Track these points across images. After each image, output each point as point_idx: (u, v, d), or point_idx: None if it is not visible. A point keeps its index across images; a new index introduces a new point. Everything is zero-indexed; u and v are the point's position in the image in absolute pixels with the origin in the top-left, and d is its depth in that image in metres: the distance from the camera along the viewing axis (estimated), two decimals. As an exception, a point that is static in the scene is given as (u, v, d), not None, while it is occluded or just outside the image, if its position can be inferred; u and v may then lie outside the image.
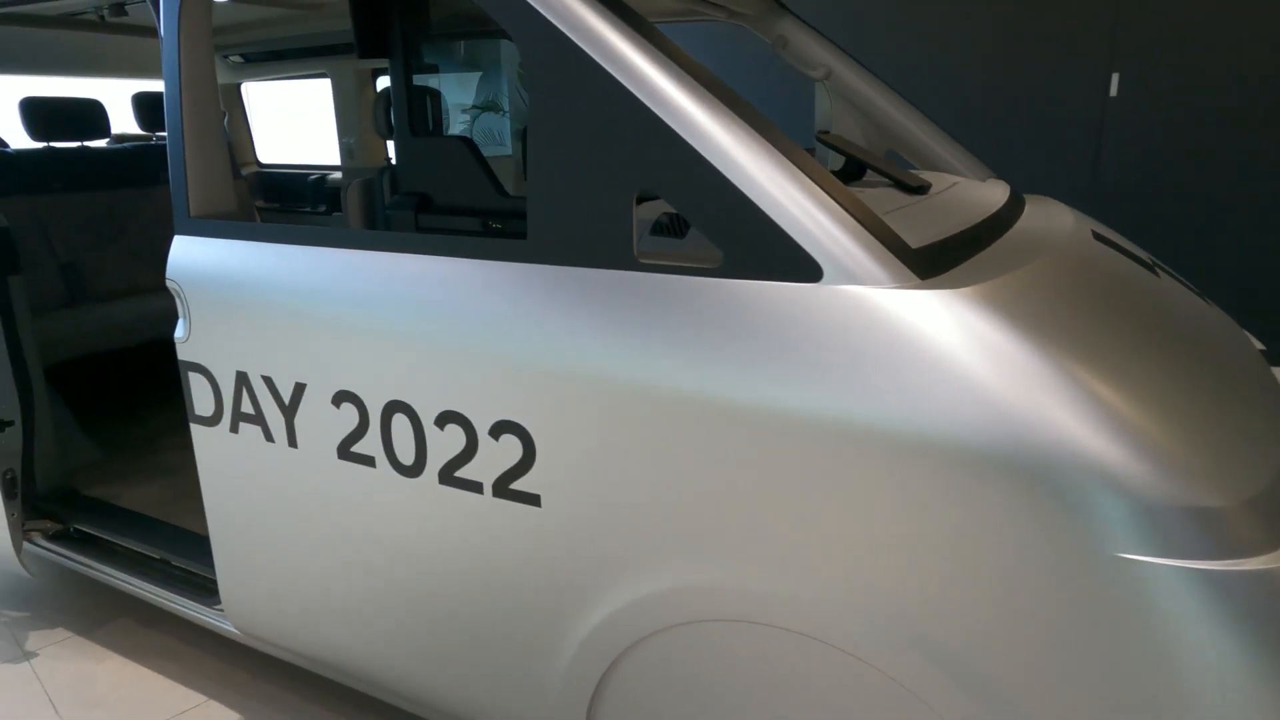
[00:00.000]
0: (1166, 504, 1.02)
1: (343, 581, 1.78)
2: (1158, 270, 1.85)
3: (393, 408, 1.58)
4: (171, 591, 2.23)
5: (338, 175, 3.98)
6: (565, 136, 1.34)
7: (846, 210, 1.21)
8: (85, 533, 2.50)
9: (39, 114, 3.25)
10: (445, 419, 1.51)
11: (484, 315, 1.44)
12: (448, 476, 1.55)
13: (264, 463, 1.81)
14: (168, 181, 3.68)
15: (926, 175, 2.32)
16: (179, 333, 1.85)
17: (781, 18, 2.63)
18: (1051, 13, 4.02)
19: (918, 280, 1.19)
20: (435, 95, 2.35)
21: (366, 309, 1.57)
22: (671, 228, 1.50)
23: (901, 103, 2.56)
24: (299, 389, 1.70)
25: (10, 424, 2.29)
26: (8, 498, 2.30)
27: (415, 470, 1.59)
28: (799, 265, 1.20)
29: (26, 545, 2.47)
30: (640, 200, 1.65)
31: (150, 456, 3.00)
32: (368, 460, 1.65)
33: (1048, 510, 1.05)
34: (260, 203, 4.11)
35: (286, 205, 4.07)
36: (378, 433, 1.61)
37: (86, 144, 3.52)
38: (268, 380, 1.74)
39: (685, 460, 1.28)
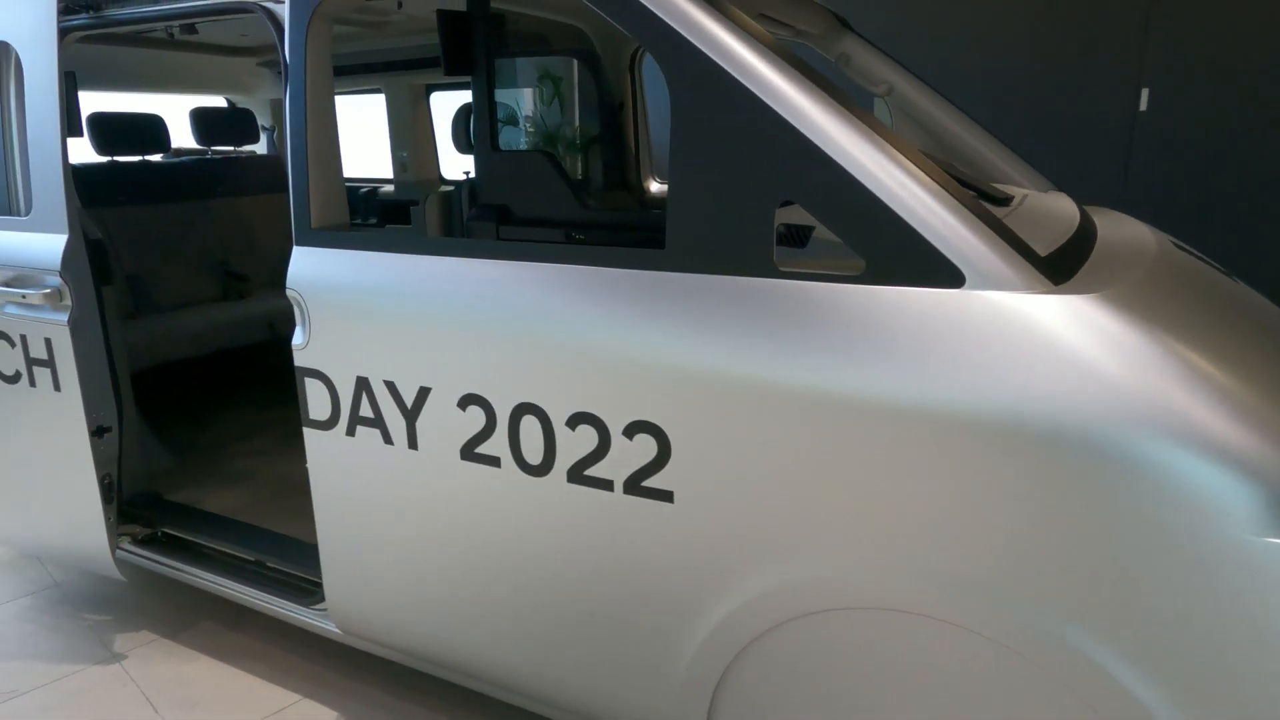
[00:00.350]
0: None
1: (460, 579, 1.85)
2: (1233, 277, 1.94)
3: (522, 409, 1.65)
4: (267, 593, 2.29)
5: (388, 189, 4.06)
6: (706, 151, 1.42)
7: (984, 221, 1.30)
8: (173, 536, 2.56)
9: (104, 129, 3.33)
10: (577, 420, 1.59)
11: (621, 321, 1.51)
12: (577, 475, 1.62)
13: (381, 465, 1.88)
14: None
15: (998, 187, 2.42)
16: (297, 340, 1.93)
17: (844, 36, 2.73)
18: (1085, 29, 4.14)
19: (1051, 286, 1.27)
20: (514, 112, 2.43)
21: (497, 316, 1.64)
22: (791, 238, 1.59)
23: (962, 116, 2.66)
24: (423, 393, 1.77)
25: (109, 430, 2.36)
26: (105, 502, 2.36)
27: (543, 470, 1.66)
28: (942, 272, 1.29)
29: (118, 550, 2.53)
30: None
31: (224, 463, 3.06)
32: (493, 460, 1.72)
33: (1191, 499, 1.13)
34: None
35: None
36: (505, 434, 1.69)
37: (147, 158, 3.60)
38: (390, 385, 1.81)
39: (827, 459, 1.36)
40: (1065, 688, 1.28)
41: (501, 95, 2.32)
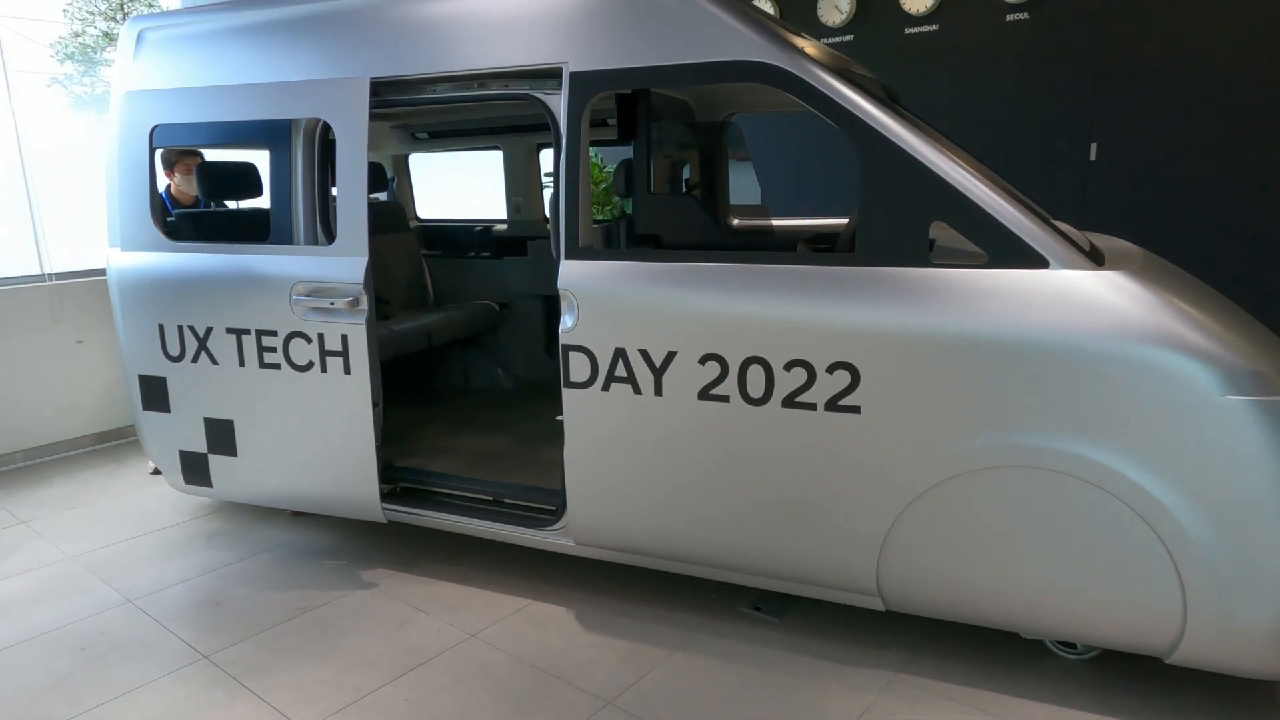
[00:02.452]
0: (1244, 370, 2.05)
1: (691, 487, 2.68)
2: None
3: (749, 361, 2.52)
4: (506, 524, 3.07)
5: (501, 227, 4.90)
6: (884, 190, 2.34)
7: (1054, 228, 2.24)
8: (410, 490, 3.32)
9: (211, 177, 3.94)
10: (792, 364, 2.46)
11: (828, 298, 2.40)
12: (790, 402, 2.49)
13: (630, 410, 2.71)
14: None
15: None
16: (566, 324, 2.75)
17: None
18: (1047, 98, 5.26)
19: (1096, 267, 2.21)
20: (673, 165, 3.33)
21: (732, 300, 2.51)
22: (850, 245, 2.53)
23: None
24: (670, 355, 2.62)
25: (378, 405, 3.12)
26: (377, 461, 3.12)
27: (763, 401, 2.52)
28: (1036, 260, 2.22)
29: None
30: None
31: (424, 441, 3.82)
32: (723, 399, 2.58)
33: (1183, 377, 2.07)
34: (424, 250, 4.98)
35: (450, 251, 4.95)
36: (735, 378, 2.54)
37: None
38: (643, 352, 2.66)
39: (966, 378, 2.26)
40: (1121, 501, 2.19)
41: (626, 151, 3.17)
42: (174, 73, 3.30)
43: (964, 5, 5.55)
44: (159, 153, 3.72)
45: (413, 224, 5.10)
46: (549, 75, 2.79)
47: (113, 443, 5.11)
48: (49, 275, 4.82)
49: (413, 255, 4.80)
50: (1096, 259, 2.28)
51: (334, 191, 3.17)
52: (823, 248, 3.24)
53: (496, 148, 4.78)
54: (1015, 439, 2.26)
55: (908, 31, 5.78)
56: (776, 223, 4.01)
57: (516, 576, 3.26)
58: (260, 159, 3.99)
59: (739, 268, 2.54)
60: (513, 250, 4.74)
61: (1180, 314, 2.12)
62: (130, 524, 3.87)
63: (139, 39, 3.44)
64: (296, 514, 3.85)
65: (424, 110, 4.48)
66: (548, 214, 3.22)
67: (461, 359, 4.83)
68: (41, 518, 3.98)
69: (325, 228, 3.22)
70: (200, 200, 4.51)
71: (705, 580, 3.07)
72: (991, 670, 2.57)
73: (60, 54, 15.89)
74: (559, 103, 2.76)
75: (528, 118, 4.51)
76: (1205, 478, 2.09)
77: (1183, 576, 2.15)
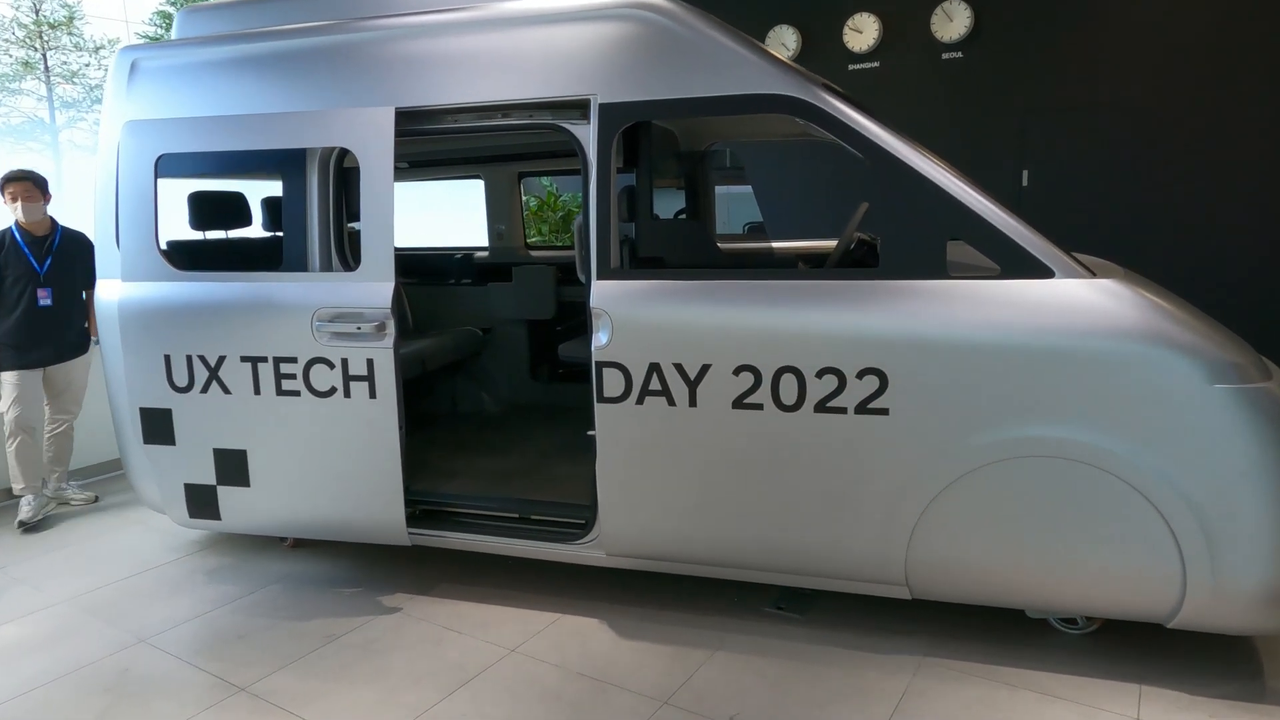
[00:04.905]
0: (1227, 362, 2.36)
1: (726, 492, 2.83)
2: None
3: (783, 370, 2.70)
4: (534, 540, 3.15)
5: (483, 254, 4.98)
6: (904, 211, 2.58)
7: (1055, 244, 2.53)
8: (429, 511, 3.34)
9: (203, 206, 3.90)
10: (824, 372, 2.66)
11: (854, 309, 2.62)
12: (821, 407, 2.68)
13: (664, 421, 2.85)
14: None
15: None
16: (600, 341, 2.88)
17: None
18: (982, 131, 5.72)
19: (1092, 276, 2.51)
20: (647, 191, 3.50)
21: (766, 312, 2.70)
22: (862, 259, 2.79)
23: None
24: (704, 368, 2.78)
25: (402, 428, 3.16)
26: (402, 484, 3.14)
27: (796, 407, 2.71)
28: (1042, 270, 2.49)
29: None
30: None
31: (434, 463, 3.83)
32: (757, 407, 2.75)
33: (1175, 370, 2.36)
34: (401, 279, 5.00)
35: (427, 279, 4.99)
36: (769, 387, 2.72)
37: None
38: (678, 366, 2.81)
39: (985, 378, 2.51)
40: (1126, 482, 2.46)
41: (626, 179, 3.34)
42: (180, 102, 3.29)
43: (903, 44, 6.00)
44: None
45: (390, 252, 5.11)
46: (575, 106, 2.94)
47: (92, 478, 4.87)
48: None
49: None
50: (1088, 268, 2.58)
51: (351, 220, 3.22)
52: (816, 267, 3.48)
53: (478, 177, 4.87)
54: (1030, 431, 2.51)
55: (851, 68, 6.19)
56: (750, 245, 4.26)
57: (539, 592, 3.33)
58: (253, 188, 3.98)
59: (771, 283, 2.73)
60: (496, 276, 4.83)
61: (1169, 315, 2.42)
62: (121, 563, 3.73)
63: (133, 69, 3.42)
64: (295, 544, 3.80)
65: (405, 140, 4.54)
66: (576, 239, 3.33)
67: (449, 385, 4.86)
68: (19, 562, 3.79)
69: (341, 254, 3.25)
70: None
71: (723, 584, 3.21)
72: (1007, 648, 2.81)
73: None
74: (587, 132, 2.91)
75: (510, 148, 4.63)
76: (1197, 456, 2.39)
77: (1181, 546, 2.44)
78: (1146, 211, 5.40)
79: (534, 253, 4.99)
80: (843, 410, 2.67)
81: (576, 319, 4.69)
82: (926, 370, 2.57)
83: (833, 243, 4.08)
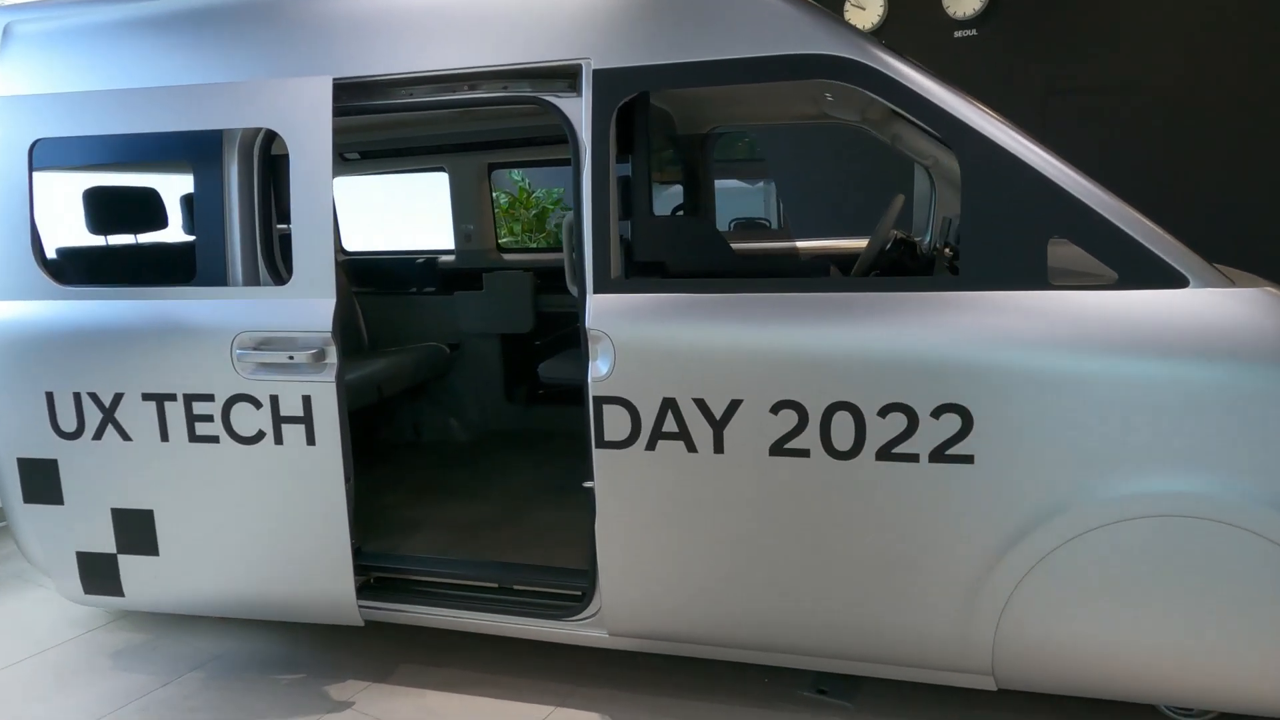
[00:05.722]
0: None
1: (763, 557, 2.24)
2: None
3: (835, 407, 2.12)
4: (516, 615, 2.53)
5: (448, 258, 4.33)
6: (994, 201, 2.01)
7: (1186, 246, 1.97)
8: (386, 580, 2.71)
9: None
10: (888, 409, 2.08)
11: (932, 330, 2.04)
12: (886, 454, 2.10)
13: (682, 471, 2.25)
14: None
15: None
16: (599, 372, 2.27)
17: (895, 121, 3.45)
18: (994, 109, 5.20)
19: (1230, 283, 1.95)
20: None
21: (813, 335, 2.11)
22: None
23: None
24: (734, 404, 2.19)
25: (349, 480, 2.52)
26: (350, 548, 2.51)
27: (852, 453, 2.13)
28: (1175, 278, 1.93)
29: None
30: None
31: (389, 512, 3.20)
32: (802, 453, 2.16)
33: None
34: (355, 288, 4.35)
35: (386, 288, 4.34)
36: (816, 428, 2.14)
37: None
38: (699, 401, 2.21)
39: (1097, 417, 1.95)
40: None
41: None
42: (63, 74, 2.61)
43: (911, 21, 5.46)
44: None
45: (339, 258, 4.45)
46: (562, 75, 2.33)
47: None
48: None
49: (342, 293, 4.16)
50: (1228, 277, 2.03)
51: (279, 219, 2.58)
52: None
53: (441, 169, 4.22)
54: (1160, 484, 1.95)
55: (852, 48, 5.64)
56: (770, 246, 3.68)
57: (522, 677, 2.71)
58: (165, 183, 3.32)
59: (818, 296, 2.14)
60: (464, 284, 4.20)
61: None
62: (6, 643, 3.04)
63: (6, 34, 2.73)
64: None
65: (354, 125, 3.89)
66: (564, 242, 2.73)
67: (411, 410, 4.21)
68: (-124, 647, 3.09)
69: (271, 264, 2.61)
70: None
71: (750, 666, 2.62)
72: (1113, 746, 2.26)
73: None
74: (578, 107, 2.30)
75: (479, 133, 4.00)
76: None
77: (1357, 630, 1.90)
78: (1180, 203, 4.92)
79: (507, 256, 4.35)
80: (913, 458, 2.10)
81: (558, 332, 4.07)
82: (1023, 406, 2.00)
83: (860, 243, 3.53)
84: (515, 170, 7.10)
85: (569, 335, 3.98)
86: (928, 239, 3.59)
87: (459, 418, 4.26)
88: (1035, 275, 2.02)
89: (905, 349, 2.06)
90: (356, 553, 2.69)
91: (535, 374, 3.81)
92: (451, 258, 4.33)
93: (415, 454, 3.99)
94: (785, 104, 3.40)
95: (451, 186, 4.20)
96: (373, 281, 4.39)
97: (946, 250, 3.11)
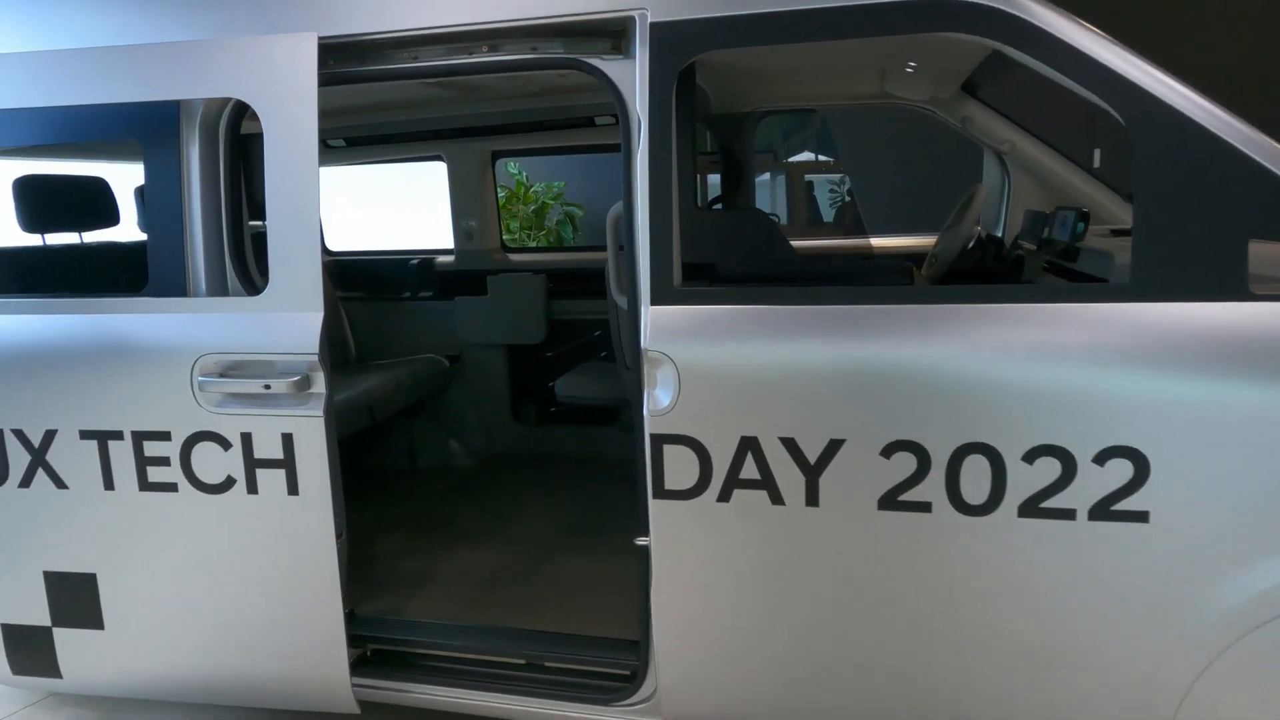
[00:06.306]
0: None
1: (868, 636, 1.79)
2: None
3: (965, 449, 1.66)
4: (550, 699, 2.06)
5: (447, 259, 3.83)
6: (1180, 189, 1.56)
7: None
8: (387, 654, 2.23)
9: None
10: (1037, 453, 1.63)
11: (1094, 353, 1.59)
12: (1033, 509, 1.65)
13: (766, 527, 1.79)
14: None
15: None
16: (660, 404, 1.81)
17: (967, 101, 3.01)
18: (1033, 94, 4.80)
19: None
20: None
21: (936, 360, 1.66)
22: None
23: (1074, 167, 3.01)
24: (833, 444, 1.73)
25: (341, 536, 2.04)
26: (344, 619, 2.02)
27: (989, 508, 1.67)
28: None
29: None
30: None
31: (382, 564, 2.72)
32: (922, 506, 1.71)
33: None
34: (340, 292, 3.85)
35: (376, 292, 3.85)
36: (942, 476, 1.68)
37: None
38: (788, 441, 1.75)
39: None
40: None
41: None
42: (-24, 33, 2.11)
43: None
44: None
45: (323, 259, 3.94)
46: (607, 32, 1.86)
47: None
48: None
49: (327, 300, 3.66)
50: None
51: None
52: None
53: (438, 157, 3.72)
54: (1394, 550, 1.52)
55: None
56: (840, 243, 3.23)
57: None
58: (117, 173, 2.82)
59: (944, 308, 1.69)
60: (465, 288, 3.71)
61: None
62: (-80, 731, 2.53)
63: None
64: None
65: (338, 108, 3.39)
66: (608, 240, 2.25)
67: (407, 431, 3.71)
68: None
69: (241, 269, 2.12)
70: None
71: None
72: None
73: None
74: (629, 72, 1.83)
75: (480, 116, 3.50)
76: None
77: None
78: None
79: (514, 256, 3.86)
80: (1070, 514, 1.64)
81: (573, 343, 3.59)
82: (1215, 451, 1.56)
83: (929, 239, 3.08)
84: (511, 162, 6.59)
85: (585, 346, 3.51)
86: (999, 235, 3.16)
87: (460, 440, 3.77)
88: (1233, 283, 1.57)
89: (1060, 377, 1.61)
90: (349, 619, 2.21)
91: (546, 390, 3.35)
92: (451, 258, 3.83)
93: (412, 484, 3.50)
94: (844, 82, 2.96)
95: (450, 178, 3.71)
96: (361, 285, 3.89)
97: (1032, 248, 2.67)
